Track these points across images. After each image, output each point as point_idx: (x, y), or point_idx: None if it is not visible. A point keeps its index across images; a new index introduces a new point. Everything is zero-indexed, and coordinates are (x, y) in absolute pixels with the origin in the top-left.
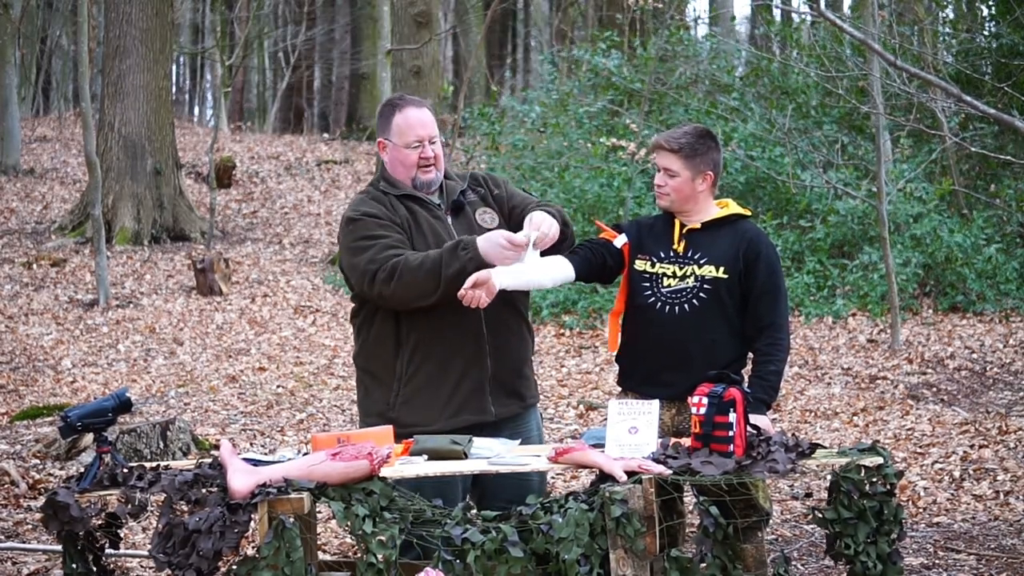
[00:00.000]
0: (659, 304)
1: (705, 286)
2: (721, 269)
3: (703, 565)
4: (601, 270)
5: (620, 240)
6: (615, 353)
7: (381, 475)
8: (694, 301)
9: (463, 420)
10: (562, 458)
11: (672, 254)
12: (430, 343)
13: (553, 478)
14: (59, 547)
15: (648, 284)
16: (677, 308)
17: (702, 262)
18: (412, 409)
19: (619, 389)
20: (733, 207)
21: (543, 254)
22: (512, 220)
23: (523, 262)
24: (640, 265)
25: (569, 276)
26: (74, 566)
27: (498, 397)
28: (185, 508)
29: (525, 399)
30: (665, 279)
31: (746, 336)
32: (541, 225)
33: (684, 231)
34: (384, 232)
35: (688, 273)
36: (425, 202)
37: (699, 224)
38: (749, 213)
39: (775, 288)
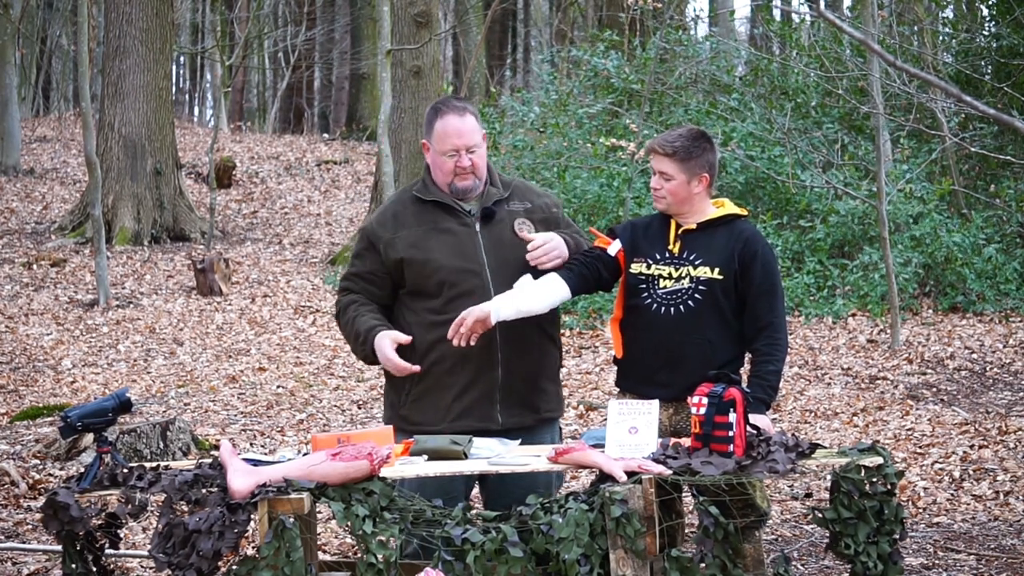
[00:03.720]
0: (655, 305)
1: (700, 287)
2: (716, 270)
3: (703, 565)
4: (597, 282)
5: (614, 247)
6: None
7: (381, 475)
8: (689, 302)
9: (467, 425)
10: (562, 458)
11: (667, 255)
12: (443, 348)
13: None
14: (59, 547)
15: (644, 286)
16: (673, 309)
17: (697, 263)
18: (419, 408)
19: (618, 390)
20: (729, 207)
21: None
22: None
23: (517, 287)
24: (636, 268)
25: (565, 296)
26: (74, 566)
27: (508, 407)
28: (185, 508)
29: (540, 411)
30: (661, 280)
31: (744, 336)
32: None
33: (680, 232)
34: (363, 258)
35: (683, 274)
36: (455, 209)
37: (695, 225)
38: (745, 213)
39: (772, 288)
